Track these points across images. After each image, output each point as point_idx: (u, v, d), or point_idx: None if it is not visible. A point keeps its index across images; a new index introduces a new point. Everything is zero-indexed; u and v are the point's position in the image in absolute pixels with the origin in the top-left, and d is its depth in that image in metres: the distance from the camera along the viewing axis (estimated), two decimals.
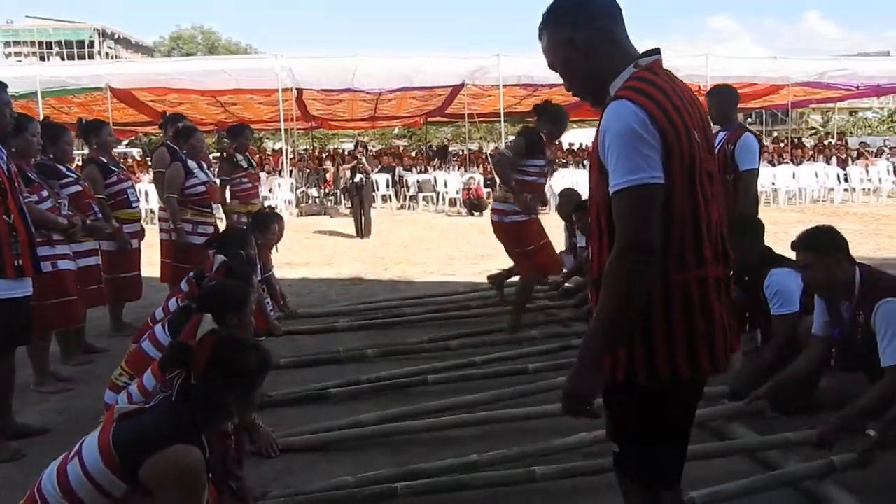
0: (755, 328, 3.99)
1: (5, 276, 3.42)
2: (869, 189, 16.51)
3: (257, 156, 18.01)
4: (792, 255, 3.81)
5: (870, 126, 35.98)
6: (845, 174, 16.53)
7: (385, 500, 2.88)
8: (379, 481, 2.97)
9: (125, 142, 29.80)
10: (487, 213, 14.58)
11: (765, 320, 3.86)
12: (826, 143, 21.34)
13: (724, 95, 5.04)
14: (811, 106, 26.59)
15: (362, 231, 11.99)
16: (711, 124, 4.98)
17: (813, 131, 29.64)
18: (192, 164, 6.01)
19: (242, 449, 2.74)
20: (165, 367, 2.09)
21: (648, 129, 1.72)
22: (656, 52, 1.87)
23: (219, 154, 22.82)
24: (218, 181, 6.65)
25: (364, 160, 12.43)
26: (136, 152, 30.35)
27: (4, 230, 3.42)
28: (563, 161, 19.36)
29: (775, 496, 2.85)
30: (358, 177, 12.14)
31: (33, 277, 3.63)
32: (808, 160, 17.44)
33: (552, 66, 1.96)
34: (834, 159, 18.16)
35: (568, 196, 6.71)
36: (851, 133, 30.07)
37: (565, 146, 24.50)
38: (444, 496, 2.92)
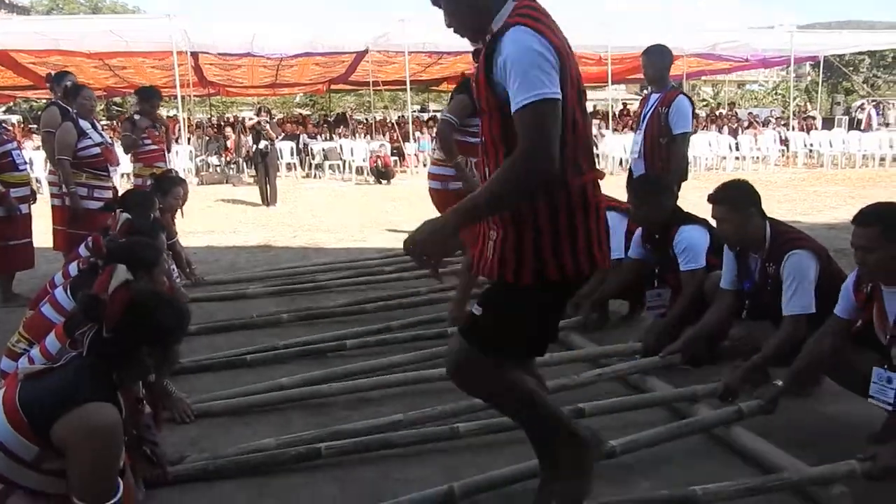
0: (665, 285, 4.12)
1: None
2: (758, 157, 17.45)
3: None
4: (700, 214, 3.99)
5: (756, 98, 37.96)
6: (736, 143, 17.40)
7: (309, 461, 2.83)
8: (301, 443, 2.91)
9: (2, 108, 27.75)
10: (399, 180, 14.72)
11: (674, 277, 3.98)
12: (717, 113, 22.33)
13: (660, 56, 5.00)
14: (703, 78, 27.76)
15: (268, 199, 11.66)
16: (648, 85, 5.08)
17: (704, 103, 30.97)
18: (84, 124, 5.63)
19: (157, 411, 2.61)
20: (75, 326, 1.95)
21: (549, 49, 1.92)
22: None
23: (108, 122, 21.71)
24: (112, 142, 6.28)
25: (268, 127, 12.05)
26: (14, 119, 28.34)
27: None
28: None
29: (689, 442, 2.96)
30: (262, 143, 11.77)
31: None
32: (702, 130, 18.21)
33: (436, 3, 2.10)
34: (725, 129, 19.06)
35: None
36: (740, 105, 31.63)
37: None
38: (370, 455, 2.89)
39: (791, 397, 3.13)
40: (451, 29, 2.11)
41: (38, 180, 12.42)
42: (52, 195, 5.75)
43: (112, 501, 1.78)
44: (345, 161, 16.62)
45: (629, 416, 3.16)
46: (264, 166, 11.75)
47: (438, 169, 4.59)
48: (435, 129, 8.44)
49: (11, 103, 26.70)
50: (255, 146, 12.02)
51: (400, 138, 17.95)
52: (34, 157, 12.36)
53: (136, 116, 6.56)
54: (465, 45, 2.14)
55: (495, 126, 2.05)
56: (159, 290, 2.22)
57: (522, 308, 2.08)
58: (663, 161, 4.88)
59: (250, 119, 13.28)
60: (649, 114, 4.98)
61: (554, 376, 3.48)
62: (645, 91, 5.18)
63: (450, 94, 4.77)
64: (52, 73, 6.27)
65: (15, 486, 1.73)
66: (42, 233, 5.85)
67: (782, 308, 3.17)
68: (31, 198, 5.50)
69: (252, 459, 2.81)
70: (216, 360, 3.99)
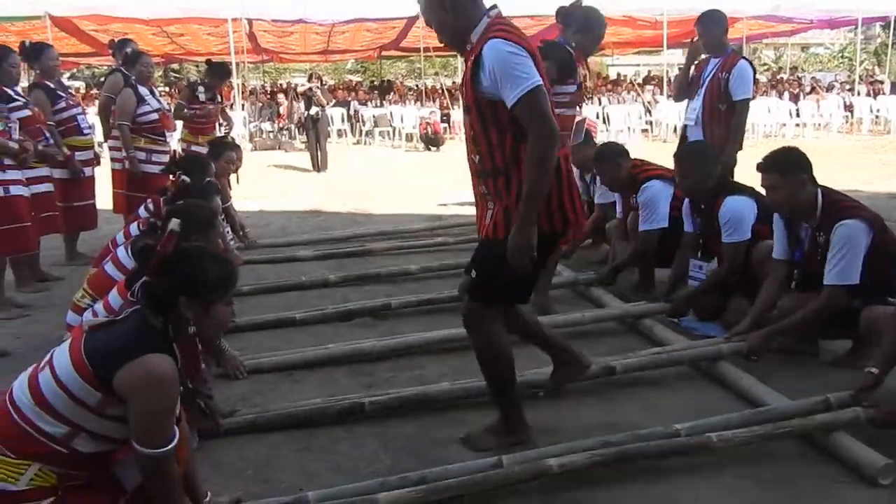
0: (710, 255, 4.08)
1: None
2: (819, 124, 16.85)
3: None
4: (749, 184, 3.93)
5: (821, 62, 36.42)
6: (797, 109, 16.80)
7: (353, 416, 2.94)
8: (346, 399, 3.01)
9: (67, 74, 28.54)
10: (448, 147, 14.69)
11: (719, 247, 3.92)
12: (778, 78, 21.55)
13: (714, 22, 4.84)
14: (764, 41, 26.77)
15: (318, 165, 11.82)
16: (703, 51, 4.97)
17: (765, 67, 29.87)
18: (143, 90, 5.82)
19: (208, 366, 2.74)
20: (133, 281, 2.06)
21: (522, 51, 2.37)
22: (495, 6, 2.55)
23: (166, 88, 22.14)
24: (169, 108, 6.49)
25: (319, 93, 12.16)
26: (78, 84, 29.14)
27: None
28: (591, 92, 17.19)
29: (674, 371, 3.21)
30: (313, 110, 11.89)
31: None
32: (762, 95, 17.62)
33: (428, 23, 2.63)
34: (786, 94, 18.39)
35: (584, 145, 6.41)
36: (803, 69, 30.43)
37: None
38: (412, 412, 2.98)
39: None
40: (441, 42, 2.64)
41: (100, 144, 12.87)
42: (113, 159, 5.97)
43: (168, 447, 1.90)
44: (395, 128, 16.66)
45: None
46: (315, 133, 11.88)
47: None
48: None
49: (75, 70, 27.44)
50: (306, 112, 12.16)
51: (450, 105, 17.88)
52: (96, 122, 12.74)
53: (200, 88, 6.72)
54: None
55: (476, 122, 2.50)
56: (208, 247, 2.31)
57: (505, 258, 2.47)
58: (722, 128, 4.77)
59: (302, 86, 13.41)
60: (708, 79, 4.83)
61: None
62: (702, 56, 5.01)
63: None
64: (115, 39, 6.46)
65: (80, 428, 1.87)
66: (104, 195, 6.09)
67: (824, 276, 3.14)
68: (95, 161, 5.71)
69: (298, 414, 2.93)
70: (267, 319, 4.14)
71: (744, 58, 4.88)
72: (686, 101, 5.11)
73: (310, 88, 12.18)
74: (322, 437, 2.83)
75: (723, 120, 4.75)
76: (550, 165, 2.38)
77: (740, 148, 4.82)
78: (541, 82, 2.35)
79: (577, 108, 4.40)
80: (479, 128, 2.50)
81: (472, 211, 2.93)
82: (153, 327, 1.93)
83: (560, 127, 2.50)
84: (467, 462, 2.52)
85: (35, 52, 5.41)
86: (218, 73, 7.01)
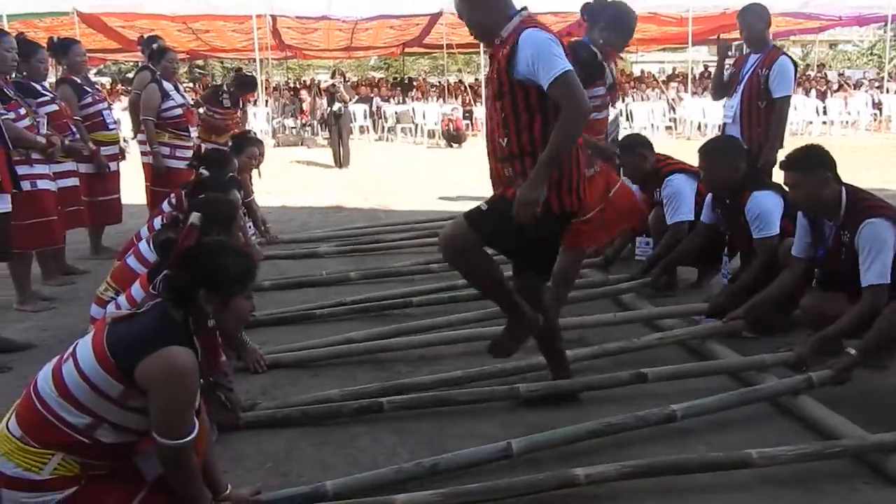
0: (735, 251, 4.04)
1: None
2: (847, 122, 16.59)
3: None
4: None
5: (849, 59, 35.82)
6: (824, 107, 16.57)
7: (371, 414, 2.94)
8: (364, 396, 3.03)
9: (94, 70, 28.90)
10: (470, 144, 14.68)
11: (744, 243, 3.89)
12: (805, 75, 21.25)
13: (757, 16, 4.74)
14: (791, 38, 26.37)
15: (341, 161, 11.87)
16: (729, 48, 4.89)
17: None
18: (167, 86, 5.88)
19: (229, 359, 2.76)
20: (155, 274, 2.08)
21: (554, 39, 2.69)
22: (525, 7, 2.82)
23: (191, 84, 22.34)
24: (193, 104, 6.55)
25: (342, 89, 12.20)
26: (105, 81, 29.50)
27: None
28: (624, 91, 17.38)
29: (751, 409, 2.94)
30: (336, 106, 11.94)
31: (12, 197, 3.57)
32: None
33: (460, 17, 2.90)
34: (813, 92, 18.13)
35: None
36: (831, 66, 29.96)
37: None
38: (429, 410, 2.98)
39: (865, 370, 3.06)
40: (470, 34, 2.93)
41: (125, 139, 13.00)
42: (143, 153, 6.03)
43: (188, 439, 1.92)
44: (417, 124, 16.68)
45: (690, 383, 3.15)
46: (338, 129, 11.93)
47: None
48: None
49: (102, 65, 27.77)
50: (329, 109, 12.21)
51: (472, 101, 17.85)
52: (122, 118, 12.91)
53: (225, 94, 6.78)
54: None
55: (508, 106, 2.74)
56: (229, 241, 2.32)
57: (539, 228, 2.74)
58: (760, 126, 4.67)
59: (326, 82, 13.47)
60: (747, 76, 4.74)
61: (614, 338, 3.52)
62: (738, 52, 4.90)
63: None
64: (145, 36, 6.55)
65: (102, 419, 1.89)
66: (131, 190, 6.16)
67: (860, 279, 3.07)
68: (120, 156, 5.78)
69: (317, 409, 2.95)
70: (288, 314, 4.17)
71: (786, 54, 4.76)
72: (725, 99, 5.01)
73: (333, 85, 12.22)
74: (340, 433, 2.84)
75: (762, 117, 4.66)
76: (575, 139, 2.69)
77: (781, 146, 4.69)
78: (571, 67, 2.64)
79: (608, 109, 4.16)
80: (511, 112, 2.74)
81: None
82: (174, 320, 1.96)
83: (593, 132, 2.51)
84: (479, 447, 2.55)
85: (63, 48, 5.48)
86: (244, 85, 7.10)
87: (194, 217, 2.01)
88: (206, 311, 1.98)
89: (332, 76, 13.02)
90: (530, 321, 2.93)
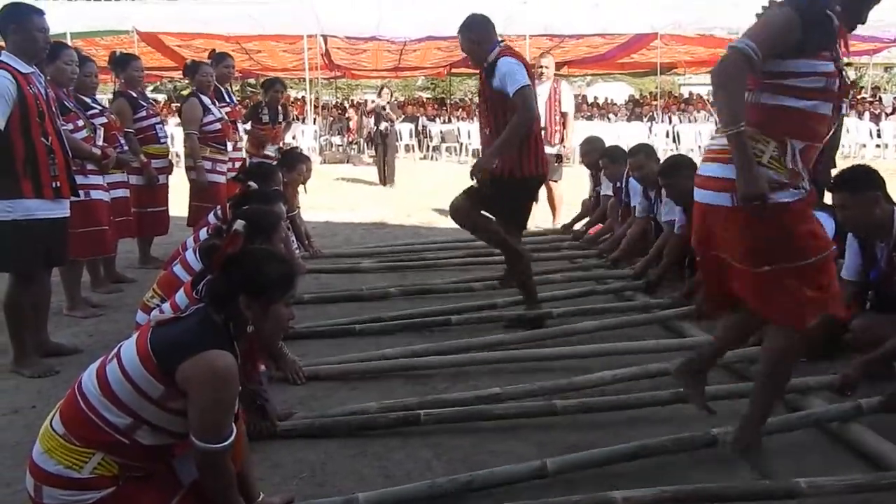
0: None
1: (43, 197, 3.50)
2: None
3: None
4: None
5: None
6: (878, 130, 16.19)
7: (408, 426, 2.93)
8: (402, 408, 3.02)
9: (150, 87, 29.79)
10: None
11: None
12: (859, 98, 20.76)
13: None
14: (845, 60, 25.75)
15: (385, 178, 11.97)
16: None
17: None
18: (206, 100, 6.01)
19: (268, 369, 2.78)
20: (199, 280, 2.11)
21: (521, 66, 3.98)
22: (503, 40, 4.18)
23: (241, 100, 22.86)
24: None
25: (388, 107, 12.33)
26: (161, 98, 30.35)
27: (43, 152, 3.48)
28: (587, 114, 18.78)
29: (797, 435, 2.86)
30: (383, 125, 12.07)
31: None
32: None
33: (463, 50, 4.20)
34: (867, 115, 17.73)
35: (591, 144, 6.55)
36: (886, 90, 29.22)
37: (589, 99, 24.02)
38: (466, 424, 2.96)
39: None
40: (469, 62, 4.30)
41: (176, 154, 13.33)
42: (188, 168, 6.15)
43: (225, 443, 1.93)
44: (461, 143, 16.75)
45: (736, 405, 3.06)
46: (384, 147, 12.05)
47: (719, 169, 2.40)
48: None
49: (158, 83, 28.61)
50: (375, 128, 12.35)
51: None
52: (175, 133, 13.26)
53: (264, 110, 6.93)
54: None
55: (490, 107, 4.09)
56: (271, 249, 2.35)
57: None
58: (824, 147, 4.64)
59: (373, 101, 13.65)
60: None
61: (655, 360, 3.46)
62: None
63: (567, 78, 4.97)
64: (188, 61, 6.72)
65: (142, 420, 1.92)
66: (178, 203, 6.29)
67: None
68: (169, 169, 5.92)
69: (354, 421, 2.95)
70: (328, 327, 4.19)
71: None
72: None
73: (381, 106, 12.33)
74: (376, 445, 2.84)
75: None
76: (522, 132, 3.95)
77: (833, 165, 4.66)
78: (529, 84, 3.94)
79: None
80: (492, 111, 4.08)
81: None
82: (215, 324, 1.98)
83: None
84: (514, 465, 2.52)
85: (122, 63, 5.66)
86: (267, 89, 7.22)
87: (238, 224, 2.04)
88: (247, 317, 2.00)
89: (379, 93, 13.16)
90: (521, 253, 4.24)
